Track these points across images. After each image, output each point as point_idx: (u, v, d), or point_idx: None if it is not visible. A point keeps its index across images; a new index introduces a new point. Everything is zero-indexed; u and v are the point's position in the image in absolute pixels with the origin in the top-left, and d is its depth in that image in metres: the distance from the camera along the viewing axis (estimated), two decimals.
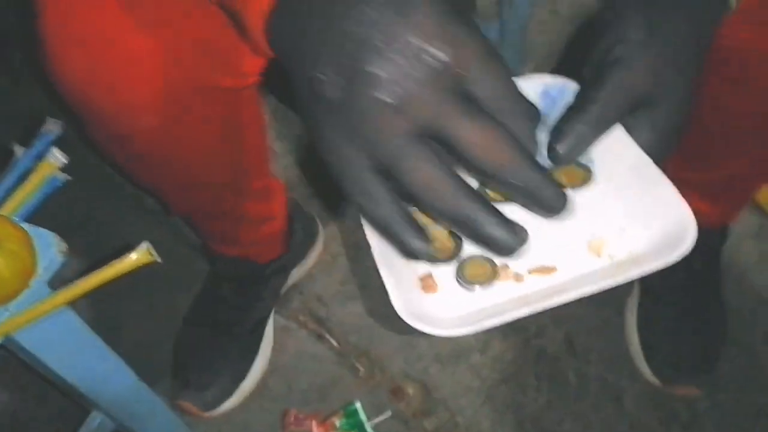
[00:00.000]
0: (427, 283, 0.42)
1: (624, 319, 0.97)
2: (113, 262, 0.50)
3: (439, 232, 0.44)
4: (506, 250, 0.36)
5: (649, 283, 0.94)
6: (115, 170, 1.09)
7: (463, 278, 0.42)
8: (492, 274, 0.42)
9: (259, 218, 0.87)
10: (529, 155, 0.36)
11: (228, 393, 0.92)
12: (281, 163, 1.13)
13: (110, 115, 0.60)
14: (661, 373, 0.91)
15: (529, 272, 0.42)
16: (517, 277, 0.42)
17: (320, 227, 1.05)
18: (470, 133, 0.34)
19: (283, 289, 1.00)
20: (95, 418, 0.75)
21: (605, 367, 0.95)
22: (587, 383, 0.94)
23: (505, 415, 0.92)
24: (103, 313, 1.00)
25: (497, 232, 0.35)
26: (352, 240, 1.06)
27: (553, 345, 0.97)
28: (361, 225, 0.41)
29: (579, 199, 0.44)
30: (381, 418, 0.91)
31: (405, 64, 0.33)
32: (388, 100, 0.33)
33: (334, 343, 0.99)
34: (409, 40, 0.33)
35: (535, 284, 0.42)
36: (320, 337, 1.00)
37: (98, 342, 0.63)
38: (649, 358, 0.92)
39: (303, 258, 1.01)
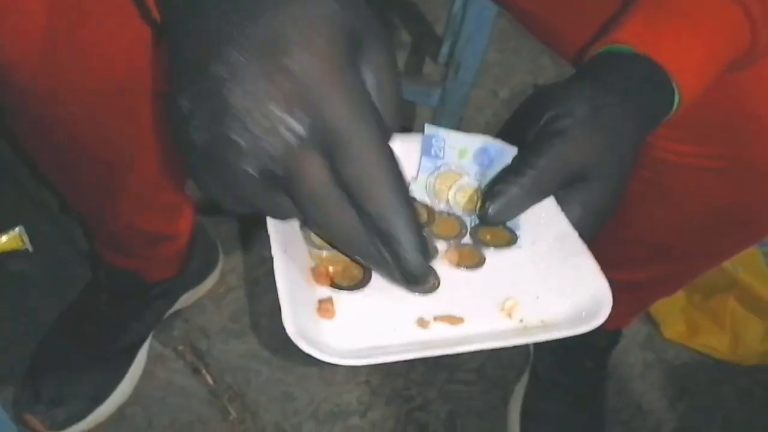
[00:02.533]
0: (324, 307, 0.40)
1: (508, 408, 0.96)
2: None
3: (349, 260, 0.42)
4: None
5: (539, 374, 0.94)
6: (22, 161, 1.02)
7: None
8: None
9: (160, 235, 0.81)
10: (367, 246, 0.34)
11: (81, 415, 0.84)
12: (190, 181, 1.08)
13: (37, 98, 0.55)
14: None
15: (435, 319, 0.41)
16: (421, 323, 0.40)
17: (221, 256, 1.00)
18: (318, 216, 0.33)
19: (167, 314, 0.93)
20: None
21: None
22: None
23: None
24: None
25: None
26: (252, 275, 1.01)
27: (435, 421, 0.94)
28: (266, 258, 0.38)
29: (499, 260, 0.45)
30: None
31: (262, 136, 0.31)
32: (249, 170, 0.31)
33: (209, 379, 0.93)
34: (267, 107, 0.30)
35: (438, 332, 0.40)
36: (195, 371, 0.93)
37: None
38: None
39: (196, 285, 0.95)
